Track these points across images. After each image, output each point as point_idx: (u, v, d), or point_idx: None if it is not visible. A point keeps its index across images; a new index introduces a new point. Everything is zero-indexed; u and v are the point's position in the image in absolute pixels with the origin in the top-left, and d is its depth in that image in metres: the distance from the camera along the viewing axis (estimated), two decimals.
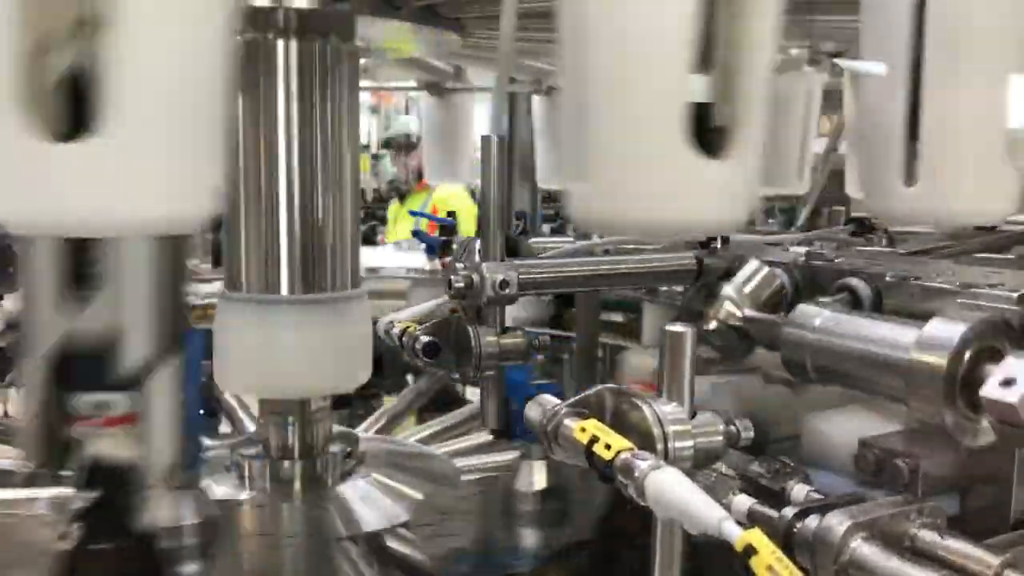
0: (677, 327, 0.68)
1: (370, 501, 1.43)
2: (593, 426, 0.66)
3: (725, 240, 1.23)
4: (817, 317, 0.84)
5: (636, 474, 0.59)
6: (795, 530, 0.72)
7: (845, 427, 0.97)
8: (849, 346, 0.81)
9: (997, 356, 0.71)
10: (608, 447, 0.63)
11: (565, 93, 0.89)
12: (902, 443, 0.92)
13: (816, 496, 0.80)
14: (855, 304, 0.95)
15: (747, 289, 0.98)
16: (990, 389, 0.67)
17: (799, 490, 0.82)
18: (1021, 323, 0.74)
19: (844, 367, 0.81)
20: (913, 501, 0.72)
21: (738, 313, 0.96)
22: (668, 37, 0.77)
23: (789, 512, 0.74)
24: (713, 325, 0.96)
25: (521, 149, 2.73)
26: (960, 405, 0.72)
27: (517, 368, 1.37)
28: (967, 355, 0.72)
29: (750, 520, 0.78)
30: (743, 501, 0.79)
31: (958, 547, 0.69)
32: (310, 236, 1.28)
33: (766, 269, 0.98)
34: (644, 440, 0.67)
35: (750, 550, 0.50)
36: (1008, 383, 0.66)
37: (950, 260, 1.14)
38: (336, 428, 1.53)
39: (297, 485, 1.43)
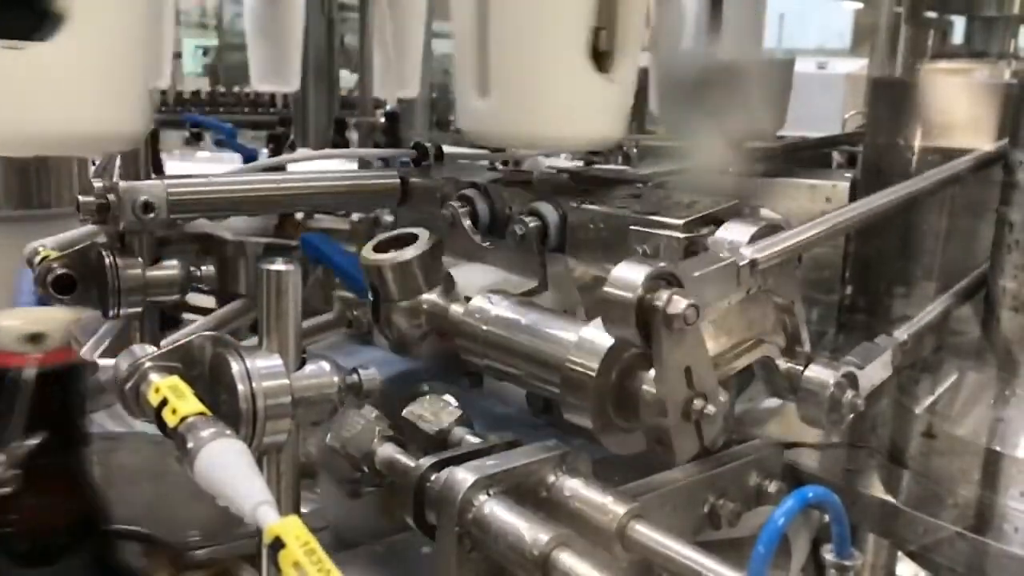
0: (277, 265, 0.59)
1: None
2: (169, 386, 0.55)
3: (439, 157, 1.15)
4: (494, 309, 0.79)
5: (190, 446, 0.50)
6: (428, 485, 0.66)
7: None
8: (518, 343, 0.76)
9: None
10: (175, 412, 0.53)
11: (462, 9, 0.90)
12: None
13: (472, 441, 0.75)
14: (543, 229, 0.90)
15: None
16: None
17: (457, 434, 0.76)
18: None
19: (511, 365, 0.77)
20: (556, 447, 0.67)
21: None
22: None
23: (425, 463, 0.67)
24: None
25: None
26: (612, 413, 0.68)
27: None
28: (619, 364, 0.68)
29: (391, 472, 0.72)
30: (387, 451, 0.72)
31: (591, 496, 0.64)
32: None
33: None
34: (232, 400, 0.57)
35: (278, 543, 0.42)
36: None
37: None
38: None
39: None
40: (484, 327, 0.78)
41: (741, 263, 0.69)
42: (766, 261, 0.71)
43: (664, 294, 0.61)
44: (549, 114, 0.90)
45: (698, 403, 0.63)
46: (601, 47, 0.90)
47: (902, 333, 0.80)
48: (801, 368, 0.73)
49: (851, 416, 0.71)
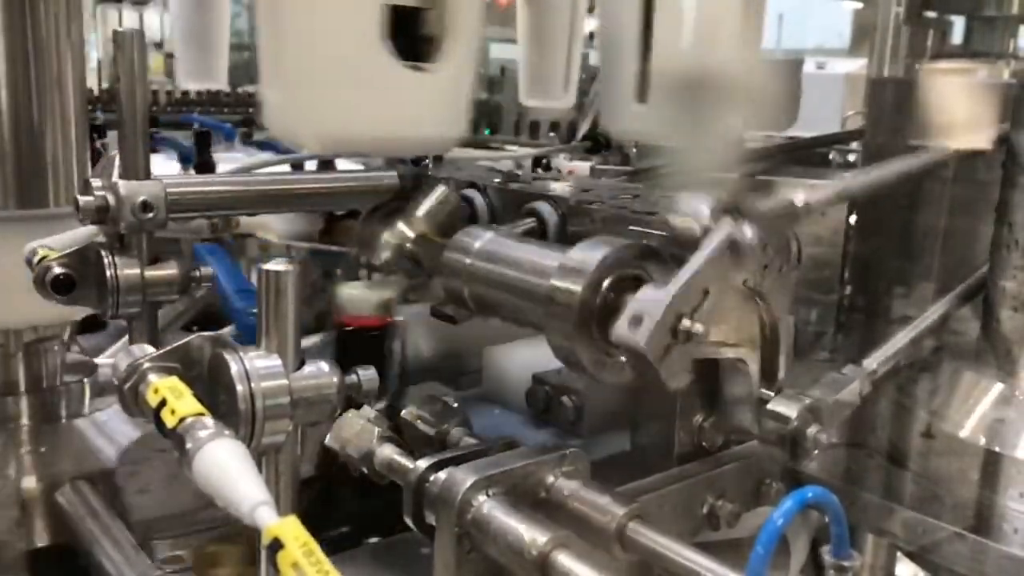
0: (276, 265, 0.59)
1: (111, 434, 1.30)
2: (167, 386, 0.55)
3: (439, 157, 1.14)
4: (477, 241, 0.76)
5: (188, 446, 0.50)
6: (426, 485, 0.66)
7: (522, 361, 0.93)
8: (500, 272, 0.73)
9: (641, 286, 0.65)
10: (174, 412, 0.53)
11: None
12: (575, 379, 0.88)
13: (471, 442, 0.75)
14: (542, 229, 0.90)
15: (420, 212, 0.88)
16: (620, 329, 0.61)
17: (455, 435, 0.76)
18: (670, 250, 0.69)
19: (494, 295, 0.74)
20: (554, 448, 0.67)
21: (411, 235, 0.87)
22: None
23: (422, 464, 0.67)
24: (386, 255, 0.87)
25: None
26: (597, 338, 0.66)
27: (246, 292, 1.22)
28: (605, 284, 0.66)
29: (390, 473, 0.72)
30: (386, 452, 0.72)
31: (590, 497, 0.64)
32: (25, 144, 1.16)
33: (443, 189, 0.89)
34: (231, 400, 0.57)
35: (276, 544, 0.42)
36: (636, 321, 0.61)
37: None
38: (72, 357, 1.39)
39: (25, 422, 1.28)
40: (467, 260, 0.76)
41: (799, 203, 0.72)
42: (818, 205, 0.74)
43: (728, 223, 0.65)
44: (333, 111, 0.78)
45: (686, 322, 0.62)
46: (426, 31, 0.78)
47: (872, 362, 0.78)
48: (769, 397, 0.70)
49: (815, 451, 0.68)
